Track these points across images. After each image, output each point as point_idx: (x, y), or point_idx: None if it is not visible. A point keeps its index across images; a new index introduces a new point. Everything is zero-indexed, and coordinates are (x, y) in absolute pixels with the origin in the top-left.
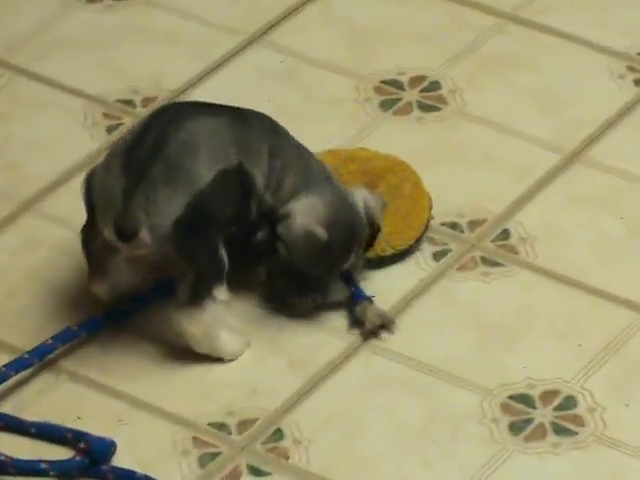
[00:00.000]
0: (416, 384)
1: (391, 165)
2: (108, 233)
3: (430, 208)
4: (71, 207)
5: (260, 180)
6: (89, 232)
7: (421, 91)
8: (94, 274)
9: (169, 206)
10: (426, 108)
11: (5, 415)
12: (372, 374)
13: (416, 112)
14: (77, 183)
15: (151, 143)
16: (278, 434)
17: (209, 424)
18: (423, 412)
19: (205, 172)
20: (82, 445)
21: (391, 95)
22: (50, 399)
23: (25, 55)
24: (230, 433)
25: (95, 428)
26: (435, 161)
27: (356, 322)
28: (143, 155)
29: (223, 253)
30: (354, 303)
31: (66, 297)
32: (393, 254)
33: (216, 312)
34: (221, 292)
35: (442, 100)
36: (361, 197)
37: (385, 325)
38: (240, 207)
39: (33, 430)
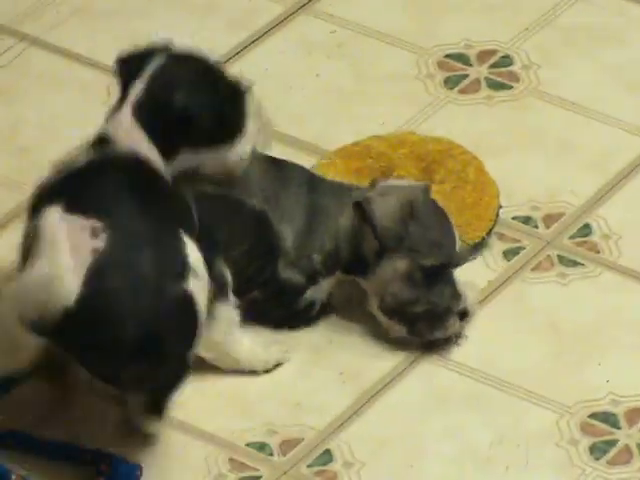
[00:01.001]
0: (483, 400)
1: (447, 148)
2: None
3: (498, 195)
4: None
5: (287, 236)
6: None
7: (490, 67)
8: None
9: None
10: (496, 86)
11: (20, 433)
12: (434, 389)
13: (484, 91)
14: None
15: None
16: (326, 456)
17: (248, 444)
18: (491, 432)
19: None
20: (103, 467)
21: (456, 71)
22: (70, 416)
23: (39, 23)
24: (271, 454)
25: (120, 446)
26: (506, 147)
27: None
28: None
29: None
30: None
31: None
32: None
33: (226, 326)
34: (226, 308)
35: (514, 77)
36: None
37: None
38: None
39: (49, 449)
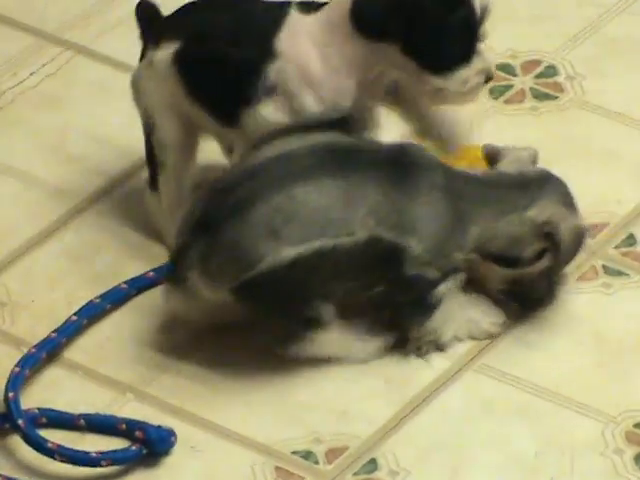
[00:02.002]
0: (528, 409)
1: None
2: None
3: None
4: (140, 203)
5: (415, 248)
6: None
7: (536, 77)
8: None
9: (227, 274)
10: (541, 97)
11: (50, 410)
12: (479, 397)
13: (530, 101)
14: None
15: (242, 197)
16: (372, 464)
17: (293, 452)
18: (537, 442)
19: (287, 249)
20: (138, 434)
21: (501, 81)
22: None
23: (85, 32)
24: (317, 462)
25: (164, 455)
26: (551, 157)
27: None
28: (228, 205)
29: (317, 311)
30: None
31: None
32: None
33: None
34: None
35: (559, 88)
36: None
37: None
38: (374, 275)
39: (82, 422)
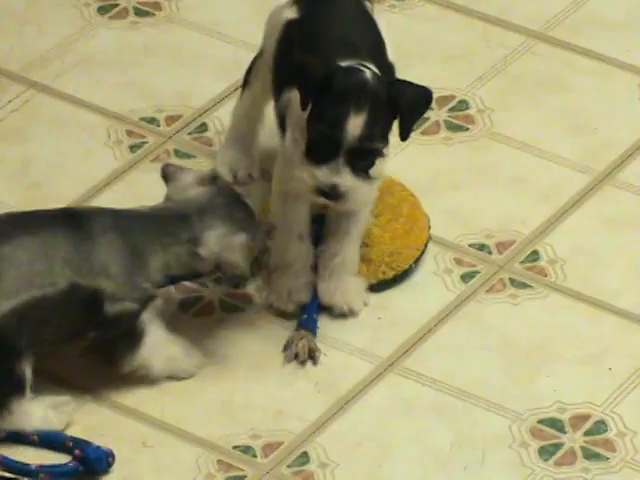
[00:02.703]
0: (444, 408)
1: (387, 186)
2: None
3: (429, 228)
4: None
5: (109, 287)
6: None
7: (449, 110)
8: None
9: None
10: (454, 128)
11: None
12: (400, 397)
13: (444, 132)
14: (102, 202)
15: None
16: (304, 457)
17: (234, 447)
18: (451, 436)
19: (3, 302)
20: (77, 452)
21: None
22: (76, 421)
23: (46, 72)
24: (255, 456)
25: (119, 450)
26: (463, 183)
27: (286, 345)
28: None
29: (24, 372)
30: (297, 327)
31: None
32: (394, 275)
33: (18, 419)
34: (20, 404)
35: (470, 120)
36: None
37: (312, 358)
38: (81, 319)
39: (36, 438)
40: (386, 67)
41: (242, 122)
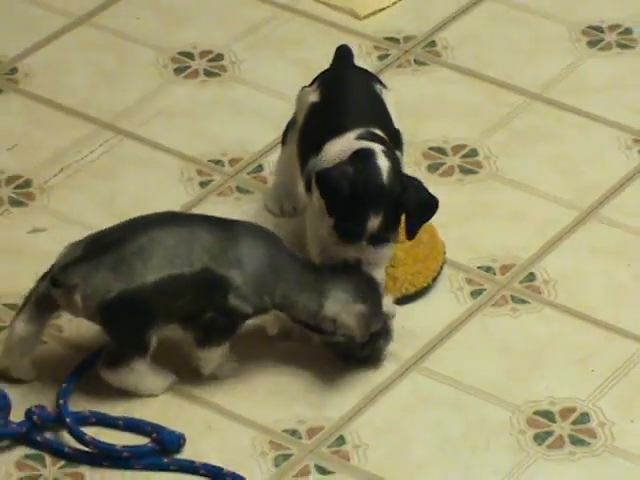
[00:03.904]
0: (456, 401)
1: None
2: (46, 284)
3: (444, 253)
4: None
5: (238, 280)
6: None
7: (462, 157)
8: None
9: (103, 288)
10: (466, 171)
11: (97, 412)
12: (419, 392)
13: (457, 174)
14: None
15: (117, 237)
16: (341, 440)
17: (283, 430)
18: (462, 425)
19: (149, 275)
20: (154, 435)
21: (436, 160)
22: (152, 408)
23: (131, 121)
24: (301, 438)
25: (188, 432)
26: (473, 215)
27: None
28: (106, 242)
29: (151, 337)
30: None
31: None
32: (416, 291)
33: (131, 377)
34: (139, 364)
35: (479, 165)
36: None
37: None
38: (206, 301)
39: (121, 423)
40: (393, 132)
41: (283, 171)
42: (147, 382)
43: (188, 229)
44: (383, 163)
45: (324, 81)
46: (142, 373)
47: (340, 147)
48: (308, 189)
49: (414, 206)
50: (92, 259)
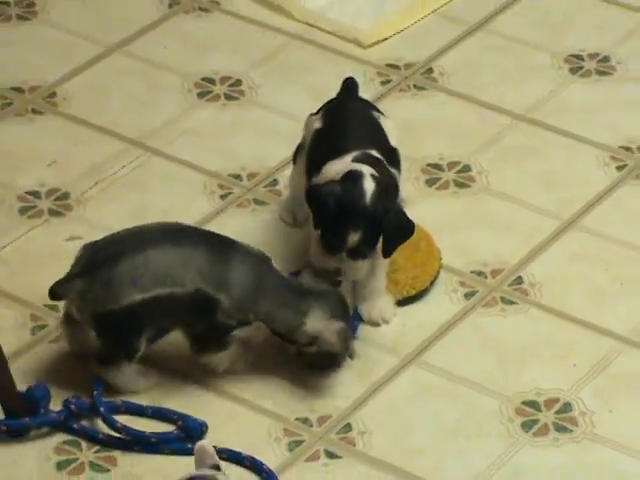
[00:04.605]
0: (452, 392)
1: None
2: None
3: (440, 259)
4: None
5: (225, 302)
6: None
7: (456, 172)
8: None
9: (95, 303)
10: (460, 185)
11: (128, 402)
12: (419, 384)
13: (452, 188)
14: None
15: (113, 253)
16: (347, 427)
17: (296, 419)
18: (457, 413)
19: (137, 294)
20: (179, 423)
21: (433, 175)
22: (178, 398)
23: (160, 140)
24: (311, 425)
25: (210, 420)
26: (466, 225)
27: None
28: (103, 256)
29: (139, 345)
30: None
31: None
32: (415, 293)
33: (119, 374)
34: (126, 365)
35: (472, 179)
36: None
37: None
38: (196, 318)
39: (149, 412)
40: (389, 151)
41: (295, 186)
42: (132, 381)
43: (184, 250)
44: (369, 185)
45: (327, 110)
46: (128, 373)
47: (338, 168)
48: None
49: (392, 229)
50: (87, 274)
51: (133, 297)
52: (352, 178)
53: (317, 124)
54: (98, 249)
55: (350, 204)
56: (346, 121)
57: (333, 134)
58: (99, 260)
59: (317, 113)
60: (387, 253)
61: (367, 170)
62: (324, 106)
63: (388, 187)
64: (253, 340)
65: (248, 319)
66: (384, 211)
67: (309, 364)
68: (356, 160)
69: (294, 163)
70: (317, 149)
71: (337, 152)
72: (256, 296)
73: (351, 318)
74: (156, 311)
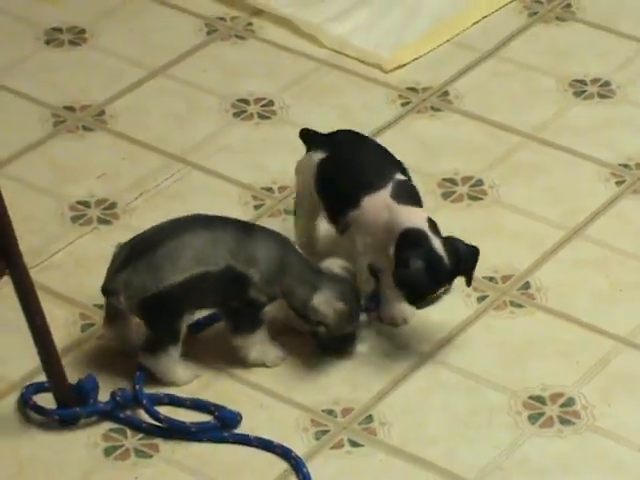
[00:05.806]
0: (464, 387)
1: None
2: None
3: None
4: None
5: (255, 277)
6: None
7: (470, 186)
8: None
9: (140, 290)
10: (473, 198)
11: (169, 394)
12: (434, 379)
13: (466, 201)
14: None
15: (152, 242)
16: (369, 418)
17: (322, 410)
18: (469, 406)
19: (177, 275)
20: (216, 414)
21: (448, 189)
22: (214, 390)
23: (199, 155)
24: (336, 416)
25: (244, 411)
26: (479, 235)
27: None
28: (143, 247)
29: (181, 327)
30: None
31: None
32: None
33: (165, 361)
34: (172, 350)
35: (484, 192)
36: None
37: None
38: (230, 294)
39: (188, 403)
40: (401, 164)
41: (304, 248)
42: (176, 370)
43: (215, 232)
44: (437, 245)
45: (323, 142)
46: (174, 360)
47: (378, 203)
48: (342, 232)
49: (469, 268)
50: (130, 265)
51: (174, 278)
52: (417, 241)
53: (318, 155)
54: (135, 243)
55: (438, 274)
56: (360, 151)
57: (349, 164)
58: (138, 251)
59: (311, 151)
60: (470, 283)
61: (423, 225)
62: (313, 142)
63: (436, 226)
64: (277, 322)
65: (275, 293)
66: (457, 259)
67: (321, 347)
68: (395, 197)
69: (295, 214)
70: (333, 182)
71: (369, 185)
72: (281, 271)
73: (364, 304)
74: (194, 291)
